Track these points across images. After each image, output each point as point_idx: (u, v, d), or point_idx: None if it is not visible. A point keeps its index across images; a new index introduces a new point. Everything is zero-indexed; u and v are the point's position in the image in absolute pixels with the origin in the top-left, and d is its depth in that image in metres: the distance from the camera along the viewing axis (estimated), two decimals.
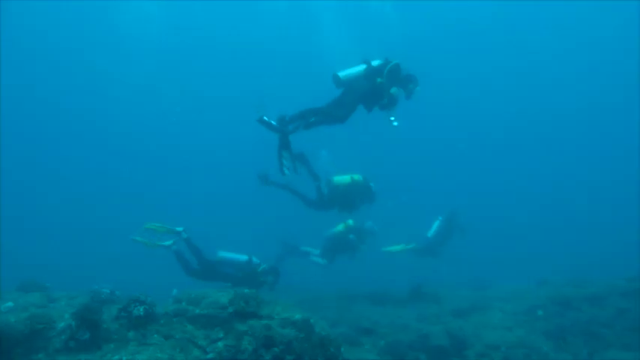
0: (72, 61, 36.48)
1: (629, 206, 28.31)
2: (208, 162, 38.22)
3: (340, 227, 11.09)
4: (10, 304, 6.06)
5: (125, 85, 38.02)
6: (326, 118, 7.62)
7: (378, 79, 7.46)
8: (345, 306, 10.37)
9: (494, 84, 37.75)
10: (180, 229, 9.36)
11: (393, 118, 7.59)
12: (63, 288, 7.36)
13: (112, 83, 37.62)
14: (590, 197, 32.77)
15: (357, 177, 10.10)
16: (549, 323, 8.73)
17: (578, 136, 38.85)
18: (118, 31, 35.44)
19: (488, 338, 8.06)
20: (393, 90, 7.56)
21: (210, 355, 4.79)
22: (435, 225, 12.87)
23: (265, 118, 7.49)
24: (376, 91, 7.49)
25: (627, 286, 9.80)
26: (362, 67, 7.64)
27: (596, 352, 8.04)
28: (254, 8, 34.50)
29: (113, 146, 38.03)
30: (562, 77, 37.39)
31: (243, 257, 9.57)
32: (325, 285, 11.57)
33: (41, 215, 29.10)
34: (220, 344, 4.90)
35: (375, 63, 7.66)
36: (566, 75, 37.19)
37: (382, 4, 33.27)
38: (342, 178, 10.01)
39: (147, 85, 38.55)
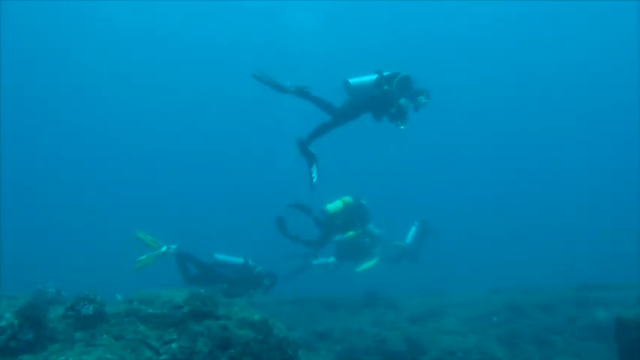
0: (70, 60, 36.75)
1: (599, 214, 29.05)
2: (208, 162, 38.24)
3: (352, 232, 10.76)
4: None
5: (124, 85, 38.34)
6: (337, 124, 7.87)
7: (386, 87, 7.56)
8: (299, 310, 10.25)
9: (489, 84, 38.29)
10: (173, 246, 9.26)
11: (399, 122, 7.74)
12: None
13: (110, 83, 37.92)
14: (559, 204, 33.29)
15: (347, 199, 10.19)
16: (503, 329, 8.84)
17: (557, 147, 39.59)
18: (117, 31, 35.99)
19: (444, 343, 8.07)
20: (402, 101, 7.64)
21: (163, 357, 4.57)
22: (412, 231, 12.95)
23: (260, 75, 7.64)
24: (384, 98, 7.60)
25: (577, 294, 10.06)
26: (373, 77, 7.74)
27: (547, 359, 8.18)
28: (254, 8, 34.54)
29: (111, 146, 37.98)
30: (559, 78, 38.12)
31: (239, 260, 9.56)
32: (279, 289, 11.41)
33: (41, 215, 28.74)
34: (174, 345, 4.68)
35: (387, 73, 7.77)
36: (563, 76, 37.90)
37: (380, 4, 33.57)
38: (335, 205, 10.06)
39: (146, 85, 38.90)
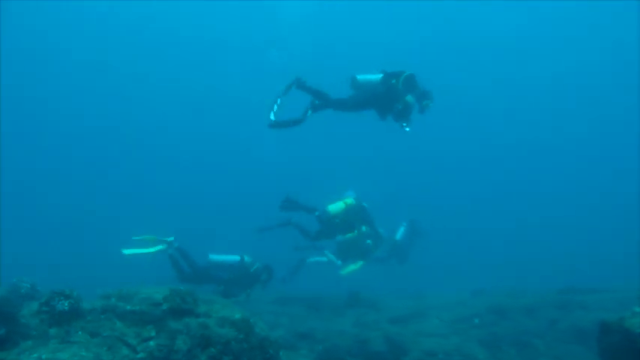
0: (70, 60, 36.92)
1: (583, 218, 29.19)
2: (206, 160, 38.24)
3: (355, 232, 10.75)
4: None
5: (123, 85, 38.39)
6: (331, 106, 7.86)
7: (393, 81, 7.61)
8: (280, 310, 10.16)
9: (488, 84, 38.40)
10: (171, 238, 9.10)
11: (405, 124, 7.76)
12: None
13: (109, 83, 38.06)
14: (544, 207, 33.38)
15: (349, 201, 10.28)
16: (485, 332, 8.82)
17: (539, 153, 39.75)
18: (116, 31, 36.31)
19: (425, 345, 8.03)
20: (409, 98, 7.67)
21: (140, 355, 4.44)
22: (400, 230, 12.85)
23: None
24: (390, 94, 7.63)
25: (559, 298, 10.10)
26: (379, 75, 7.83)
27: None
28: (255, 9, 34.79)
29: (110, 146, 38.06)
30: (559, 79, 38.31)
31: (235, 258, 9.43)
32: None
33: (41, 215, 28.47)
34: (152, 343, 4.55)
35: (391, 71, 7.85)
36: (563, 77, 38.10)
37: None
38: (337, 206, 10.15)
39: (145, 84, 39.00)
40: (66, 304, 4.68)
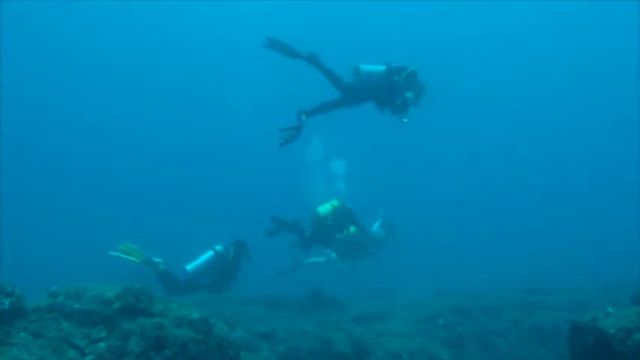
0: (70, 59, 37.10)
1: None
2: (207, 162, 37.50)
3: (352, 230, 10.61)
4: None
5: (123, 84, 38.31)
6: (340, 105, 7.84)
7: (396, 77, 7.67)
8: (241, 309, 9.85)
9: (486, 85, 38.47)
10: (159, 260, 8.70)
11: (402, 115, 7.81)
12: None
13: (109, 82, 38.00)
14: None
15: (335, 202, 10.31)
16: (449, 332, 8.74)
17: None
18: (116, 31, 36.64)
19: (389, 346, 7.89)
20: (409, 94, 7.73)
21: (88, 358, 4.11)
22: (376, 224, 12.66)
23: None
24: (392, 88, 7.70)
25: (521, 298, 10.15)
26: (382, 67, 7.82)
27: None
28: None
29: (110, 145, 37.53)
30: (559, 80, 38.58)
31: (209, 253, 9.09)
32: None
33: (40, 215, 27.66)
34: (102, 345, 4.23)
35: (395, 65, 7.87)
36: (563, 77, 38.37)
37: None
38: (325, 208, 10.16)
39: (145, 84, 38.88)
40: (6, 303, 4.29)
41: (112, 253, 8.33)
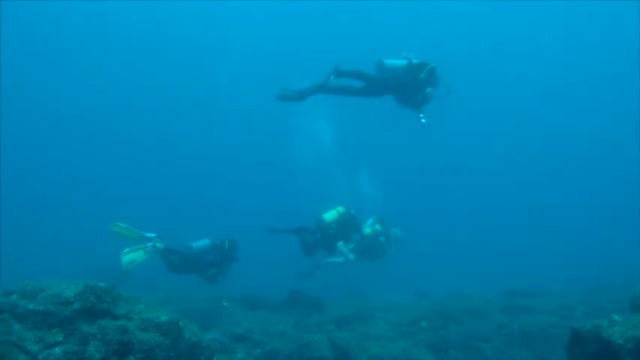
0: (69, 59, 37.29)
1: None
2: (206, 162, 37.32)
3: (368, 230, 10.60)
4: None
5: (122, 84, 38.56)
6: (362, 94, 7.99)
7: (421, 75, 7.83)
8: (214, 309, 9.44)
9: (477, 86, 38.22)
10: (152, 234, 9.19)
11: (422, 116, 8.00)
12: None
13: (108, 82, 38.24)
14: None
15: (340, 209, 10.28)
16: (432, 335, 8.45)
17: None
18: (116, 30, 36.96)
19: (372, 350, 7.54)
20: (429, 90, 7.97)
21: None
22: (370, 221, 12.39)
23: None
24: (414, 85, 7.86)
25: (505, 301, 9.92)
26: (404, 62, 8.00)
27: None
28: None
29: (109, 145, 37.30)
30: (559, 80, 38.54)
31: (206, 241, 9.65)
32: (191, 286, 10.65)
33: (40, 214, 27.43)
34: (58, 350, 3.79)
35: (416, 61, 8.04)
36: (563, 78, 38.33)
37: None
38: (331, 214, 10.14)
39: (143, 84, 39.08)
40: None
41: (112, 228, 8.87)
